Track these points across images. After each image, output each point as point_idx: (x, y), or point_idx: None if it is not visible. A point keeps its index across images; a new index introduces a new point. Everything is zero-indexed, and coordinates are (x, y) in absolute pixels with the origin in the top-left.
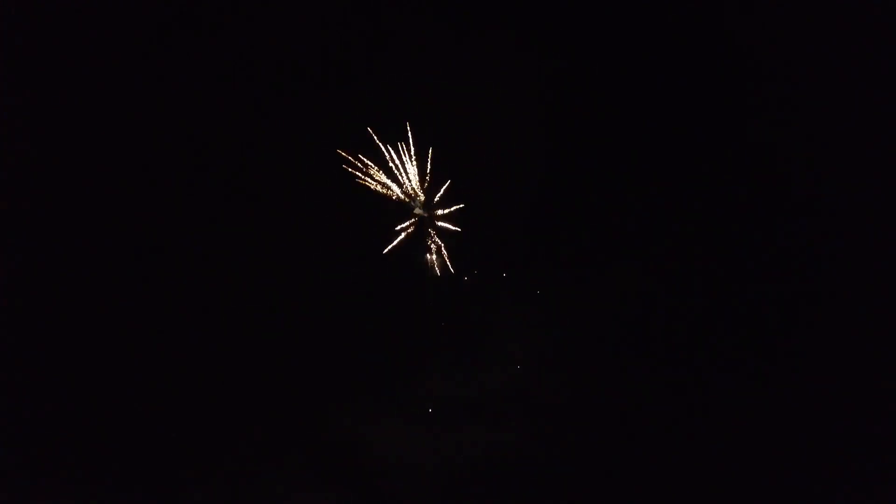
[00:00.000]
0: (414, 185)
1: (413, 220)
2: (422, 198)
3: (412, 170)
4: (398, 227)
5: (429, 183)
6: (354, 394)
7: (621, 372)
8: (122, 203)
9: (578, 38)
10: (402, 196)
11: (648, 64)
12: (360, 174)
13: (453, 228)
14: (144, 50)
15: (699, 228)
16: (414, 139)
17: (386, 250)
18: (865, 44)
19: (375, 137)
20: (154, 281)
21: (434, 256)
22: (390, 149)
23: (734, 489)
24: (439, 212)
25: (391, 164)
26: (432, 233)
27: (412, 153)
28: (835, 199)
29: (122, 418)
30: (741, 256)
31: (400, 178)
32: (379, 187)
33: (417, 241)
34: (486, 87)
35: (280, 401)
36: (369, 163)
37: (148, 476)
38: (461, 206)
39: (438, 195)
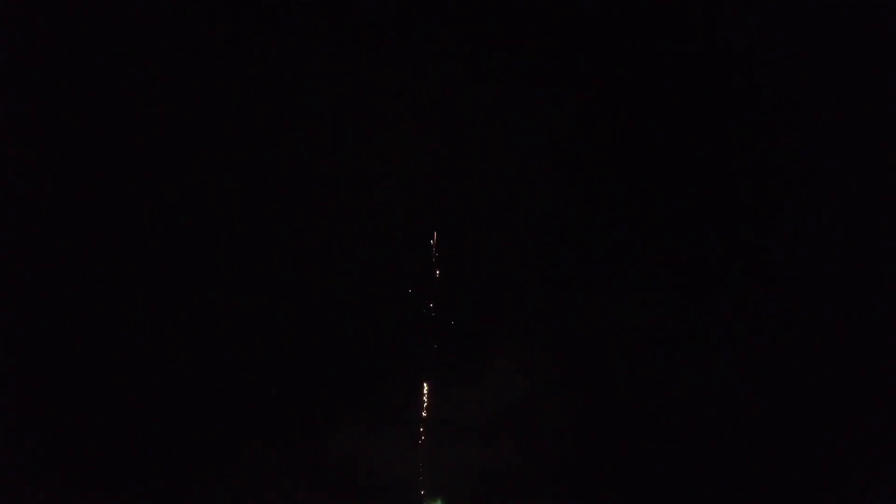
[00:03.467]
0: None
1: None
2: None
3: None
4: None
5: None
6: (353, 410)
7: (625, 392)
8: (120, 208)
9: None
10: None
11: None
12: None
13: None
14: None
15: (705, 248)
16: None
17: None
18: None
19: None
20: (151, 294)
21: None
22: None
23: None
24: None
25: None
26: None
27: None
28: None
29: (118, 430)
30: (750, 280)
31: None
32: None
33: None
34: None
35: (277, 417)
36: None
37: (140, 492)
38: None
39: None
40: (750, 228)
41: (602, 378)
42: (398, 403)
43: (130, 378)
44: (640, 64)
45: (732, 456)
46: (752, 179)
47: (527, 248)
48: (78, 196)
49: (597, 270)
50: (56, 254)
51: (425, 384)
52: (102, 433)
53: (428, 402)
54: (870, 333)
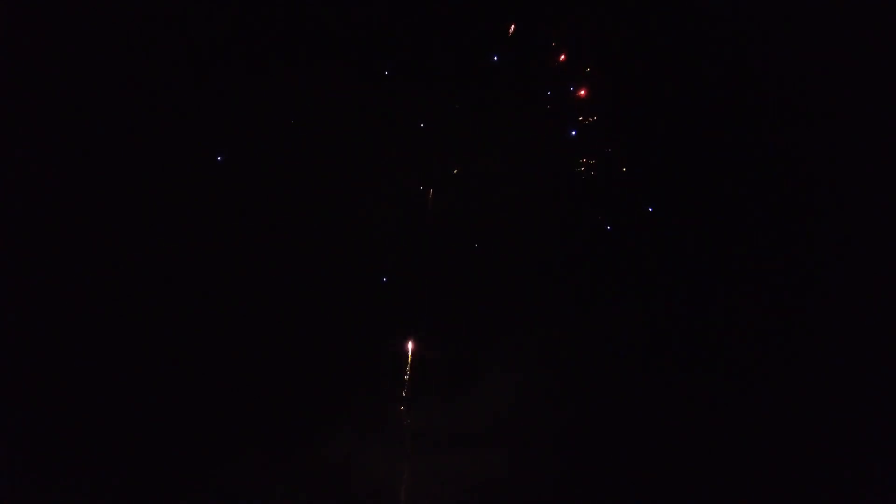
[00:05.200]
0: None
1: None
2: None
3: None
4: None
5: None
6: (344, 419)
7: (616, 405)
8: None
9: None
10: None
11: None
12: None
13: None
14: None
15: (699, 258)
16: None
17: None
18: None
19: None
20: (144, 298)
21: None
22: None
23: None
24: None
25: None
26: None
27: None
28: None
29: (108, 437)
30: (747, 292)
31: None
32: None
33: None
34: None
35: (268, 425)
36: None
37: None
38: None
39: None
40: (747, 236)
41: (592, 387)
42: (385, 413)
43: (120, 395)
44: (642, 65)
45: (727, 470)
46: (749, 183)
47: (515, 256)
48: (72, 196)
49: (586, 279)
50: (50, 255)
51: (411, 392)
52: (92, 441)
53: (414, 411)
54: (871, 334)
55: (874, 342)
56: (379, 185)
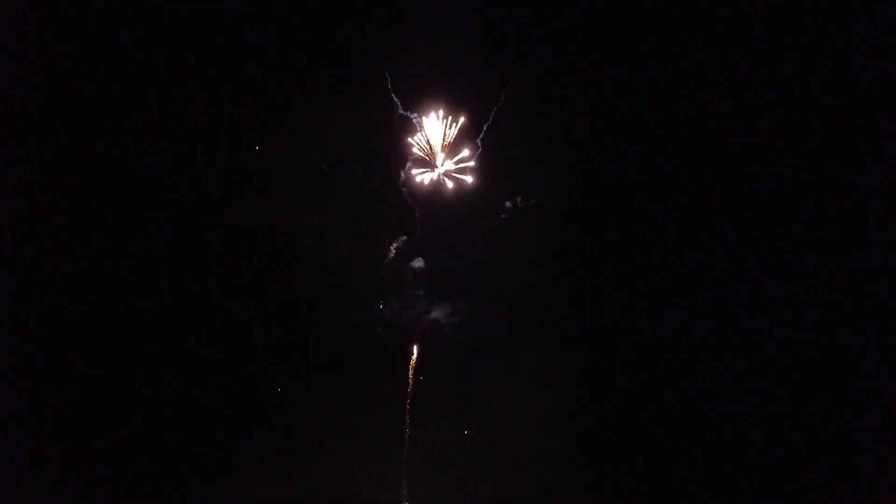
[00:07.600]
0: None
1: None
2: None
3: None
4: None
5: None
6: (342, 441)
7: (613, 423)
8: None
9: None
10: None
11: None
12: None
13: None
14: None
15: (704, 280)
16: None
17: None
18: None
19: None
20: (150, 314)
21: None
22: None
23: None
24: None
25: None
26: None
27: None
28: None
29: (104, 453)
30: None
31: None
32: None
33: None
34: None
35: (266, 446)
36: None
37: None
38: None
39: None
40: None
41: (584, 409)
42: (384, 435)
43: (127, 411)
44: (640, 66)
45: (726, 480)
46: (745, 186)
47: (510, 283)
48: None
49: (579, 304)
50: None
51: (410, 413)
52: (97, 457)
53: (412, 433)
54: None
55: (874, 342)
56: (375, 201)
